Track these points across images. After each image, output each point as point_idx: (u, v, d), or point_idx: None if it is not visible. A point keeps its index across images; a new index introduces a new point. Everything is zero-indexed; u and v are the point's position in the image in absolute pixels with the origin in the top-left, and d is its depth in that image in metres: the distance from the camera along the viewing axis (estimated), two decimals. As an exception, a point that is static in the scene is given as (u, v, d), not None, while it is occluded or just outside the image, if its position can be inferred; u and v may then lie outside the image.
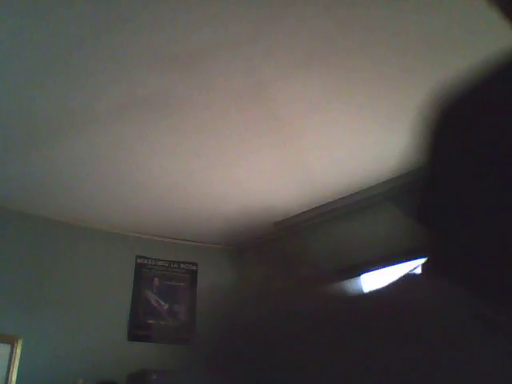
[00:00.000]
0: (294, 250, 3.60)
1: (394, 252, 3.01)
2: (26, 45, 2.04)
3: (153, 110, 2.46)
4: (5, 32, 1.98)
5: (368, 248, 3.12)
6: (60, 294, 3.38)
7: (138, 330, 3.58)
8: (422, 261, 0.56)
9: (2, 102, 2.40)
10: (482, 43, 2.06)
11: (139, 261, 3.78)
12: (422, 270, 0.56)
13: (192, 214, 3.55)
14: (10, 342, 3.06)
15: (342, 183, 3.16)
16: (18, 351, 3.06)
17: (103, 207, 3.45)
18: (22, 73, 2.21)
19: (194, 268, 3.93)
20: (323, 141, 2.72)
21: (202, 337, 0.50)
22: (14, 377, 3.00)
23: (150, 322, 3.65)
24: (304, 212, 3.51)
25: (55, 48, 2.06)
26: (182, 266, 3.90)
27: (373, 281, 3.11)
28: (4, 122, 2.54)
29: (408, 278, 0.52)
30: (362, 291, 0.51)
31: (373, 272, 3.11)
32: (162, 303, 3.75)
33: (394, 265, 3.02)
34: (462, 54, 2.12)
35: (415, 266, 0.57)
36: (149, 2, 1.86)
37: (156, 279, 3.78)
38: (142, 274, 3.75)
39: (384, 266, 3.06)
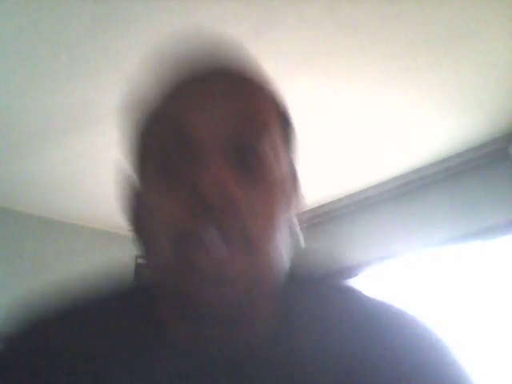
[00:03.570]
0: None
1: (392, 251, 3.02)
2: (26, 44, 2.04)
3: (153, 109, 2.46)
4: (4, 32, 1.98)
5: (365, 249, 3.12)
6: (60, 293, 3.38)
7: (137, 330, 3.58)
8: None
9: (2, 101, 2.40)
10: (482, 43, 2.06)
11: (139, 261, 3.78)
12: None
13: (192, 214, 3.54)
14: (10, 341, 3.06)
15: (342, 183, 3.16)
16: (18, 351, 3.06)
17: (103, 207, 3.45)
18: (21, 72, 2.21)
19: (194, 268, 3.93)
20: (322, 140, 2.72)
21: None
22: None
23: (150, 321, 3.65)
24: (304, 212, 3.50)
25: (55, 48, 2.06)
26: (181, 265, 3.90)
27: (370, 281, 3.11)
28: (4, 122, 2.54)
29: None
30: None
31: (370, 272, 3.12)
32: (162, 303, 3.75)
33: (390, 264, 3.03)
34: (462, 53, 2.12)
35: None
36: (148, 1, 1.86)
37: (156, 279, 3.78)
38: (142, 274, 3.74)
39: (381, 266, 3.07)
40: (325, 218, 3.43)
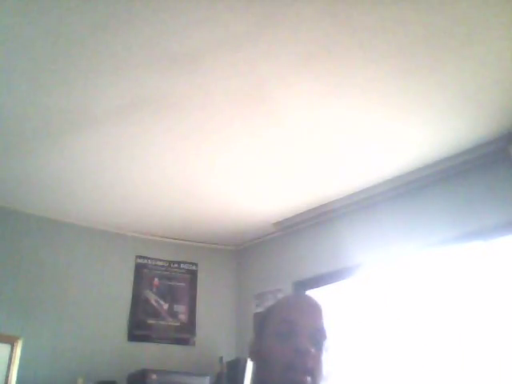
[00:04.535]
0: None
1: (392, 253, 3.02)
2: (26, 45, 2.04)
3: (152, 109, 2.46)
4: (4, 32, 1.98)
5: (366, 249, 3.12)
6: (60, 294, 3.38)
7: (137, 330, 3.59)
8: None
9: (2, 102, 2.40)
10: (482, 43, 2.06)
11: (139, 261, 3.78)
12: None
13: (192, 214, 3.55)
14: (10, 342, 3.06)
15: (342, 183, 3.16)
16: (18, 351, 3.06)
17: (103, 207, 3.45)
18: (22, 72, 2.21)
19: (194, 268, 3.93)
20: (323, 141, 2.72)
21: None
22: (13, 377, 3.00)
23: (150, 322, 3.65)
24: (304, 212, 3.51)
25: (55, 48, 2.06)
26: (182, 265, 3.90)
27: (369, 283, 3.11)
28: (4, 122, 2.54)
29: None
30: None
31: (370, 272, 3.11)
32: (162, 303, 3.75)
33: (390, 266, 3.03)
34: (462, 53, 2.12)
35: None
36: (148, 1, 1.86)
37: (156, 279, 3.78)
38: (142, 274, 3.75)
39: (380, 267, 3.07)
40: (325, 218, 3.43)
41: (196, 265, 3.95)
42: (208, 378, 3.25)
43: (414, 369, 2.74)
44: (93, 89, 2.31)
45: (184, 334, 3.70)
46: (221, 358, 3.40)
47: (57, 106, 2.42)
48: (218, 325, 3.83)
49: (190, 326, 3.75)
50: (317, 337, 1.04)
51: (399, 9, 1.89)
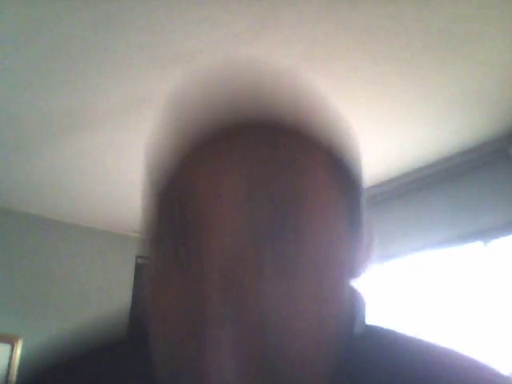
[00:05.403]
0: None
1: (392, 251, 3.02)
2: (26, 45, 2.04)
3: (152, 109, 2.46)
4: (5, 32, 1.98)
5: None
6: (60, 293, 3.38)
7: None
8: None
9: (2, 102, 2.40)
10: (482, 43, 2.06)
11: (139, 261, 3.78)
12: None
13: (192, 214, 3.55)
14: (10, 341, 3.06)
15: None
16: (18, 351, 3.06)
17: (103, 207, 3.45)
18: (22, 73, 2.21)
19: (194, 268, 3.93)
20: (323, 141, 2.72)
21: None
22: (14, 377, 3.00)
23: (150, 321, 3.65)
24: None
25: (55, 48, 2.06)
26: (181, 265, 3.90)
27: (370, 281, 3.11)
28: (5, 122, 2.54)
29: None
30: None
31: (370, 272, 3.11)
32: (162, 303, 3.75)
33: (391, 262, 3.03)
34: (462, 54, 2.12)
35: None
36: (148, 2, 1.86)
37: (156, 279, 3.78)
38: (142, 274, 3.75)
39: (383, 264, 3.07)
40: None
41: (196, 265, 3.94)
42: (208, 377, 3.25)
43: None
44: (93, 89, 2.31)
45: (184, 334, 3.71)
46: (221, 358, 3.40)
47: (57, 106, 2.42)
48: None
49: (189, 325, 3.75)
50: (276, 230, 0.36)
51: (399, 9, 1.89)
